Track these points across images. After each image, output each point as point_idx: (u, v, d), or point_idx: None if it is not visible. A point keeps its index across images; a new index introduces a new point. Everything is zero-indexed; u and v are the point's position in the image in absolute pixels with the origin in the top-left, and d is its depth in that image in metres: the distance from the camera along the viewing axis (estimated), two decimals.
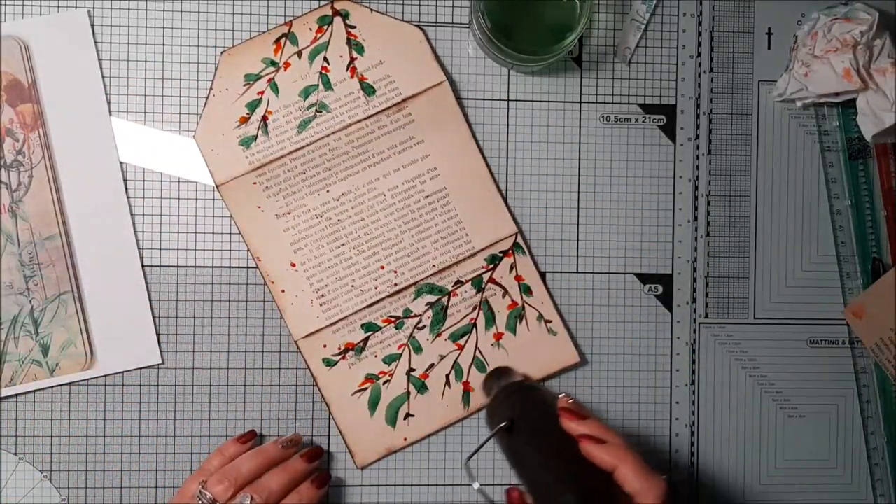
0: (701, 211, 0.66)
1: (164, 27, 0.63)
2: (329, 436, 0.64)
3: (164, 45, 0.63)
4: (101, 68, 0.62)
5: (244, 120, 0.63)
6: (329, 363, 0.63)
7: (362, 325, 0.63)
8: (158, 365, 0.62)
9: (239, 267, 0.63)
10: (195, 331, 0.63)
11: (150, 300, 0.62)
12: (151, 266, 0.63)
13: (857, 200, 0.67)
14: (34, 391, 0.62)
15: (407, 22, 0.64)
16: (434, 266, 0.64)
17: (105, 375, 0.62)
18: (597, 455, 0.51)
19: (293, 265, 0.63)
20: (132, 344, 0.62)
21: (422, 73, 0.63)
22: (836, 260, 0.67)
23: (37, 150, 0.61)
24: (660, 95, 0.66)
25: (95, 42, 0.62)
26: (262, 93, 0.63)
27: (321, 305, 0.63)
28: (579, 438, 0.52)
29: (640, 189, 0.66)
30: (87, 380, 0.62)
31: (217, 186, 0.62)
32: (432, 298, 0.64)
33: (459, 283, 0.64)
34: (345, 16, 0.63)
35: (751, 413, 0.66)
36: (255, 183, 0.63)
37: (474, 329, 0.64)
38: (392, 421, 0.63)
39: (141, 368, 0.62)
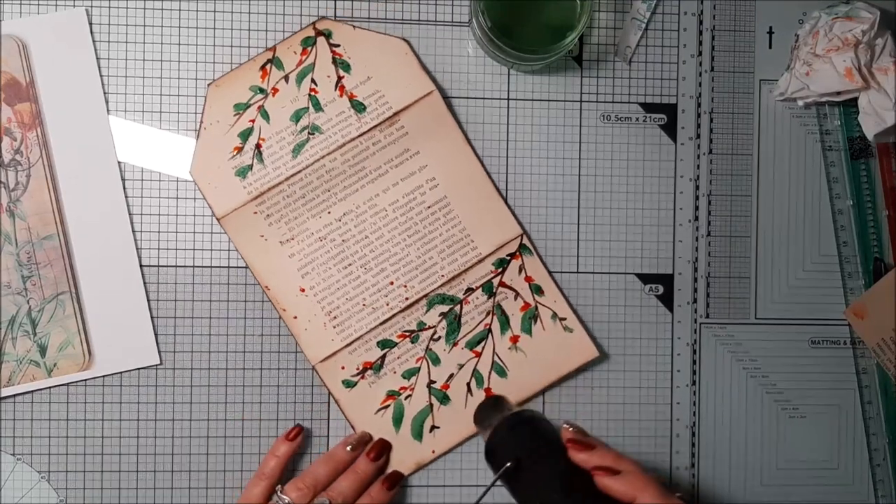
0: (702, 210, 0.66)
1: (162, 26, 0.63)
2: (328, 436, 0.63)
3: (162, 43, 0.63)
4: (99, 67, 0.62)
5: (238, 150, 0.62)
6: (349, 384, 0.63)
7: (378, 343, 0.63)
8: (157, 365, 0.62)
9: (238, 267, 0.63)
10: (194, 331, 0.62)
11: (149, 300, 0.62)
12: (150, 266, 0.62)
13: (859, 200, 0.66)
14: (32, 391, 0.61)
15: (392, 36, 0.63)
16: (443, 276, 0.63)
17: (103, 376, 0.62)
18: (614, 488, 0.50)
19: (302, 290, 0.62)
20: (130, 344, 0.62)
21: (410, 85, 0.63)
22: (837, 260, 0.66)
23: (35, 150, 0.61)
24: (660, 94, 0.66)
25: (94, 41, 0.62)
26: (253, 121, 0.62)
27: (335, 327, 0.63)
28: (592, 471, 0.51)
29: (640, 189, 0.66)
30: (85, 380, 0.62)
31: (218, 220, 0.62)
32: (445, 308, 0.63)
33: (470, 290, 0.64)
34: (328, 35, 0.63)
35: (752, 413, 0.66)
36: (255, 212, 0.62)
37: (490, 334, 0.64)
38: (418, 435, 0.63)
39: (139, 369, 0.62)
